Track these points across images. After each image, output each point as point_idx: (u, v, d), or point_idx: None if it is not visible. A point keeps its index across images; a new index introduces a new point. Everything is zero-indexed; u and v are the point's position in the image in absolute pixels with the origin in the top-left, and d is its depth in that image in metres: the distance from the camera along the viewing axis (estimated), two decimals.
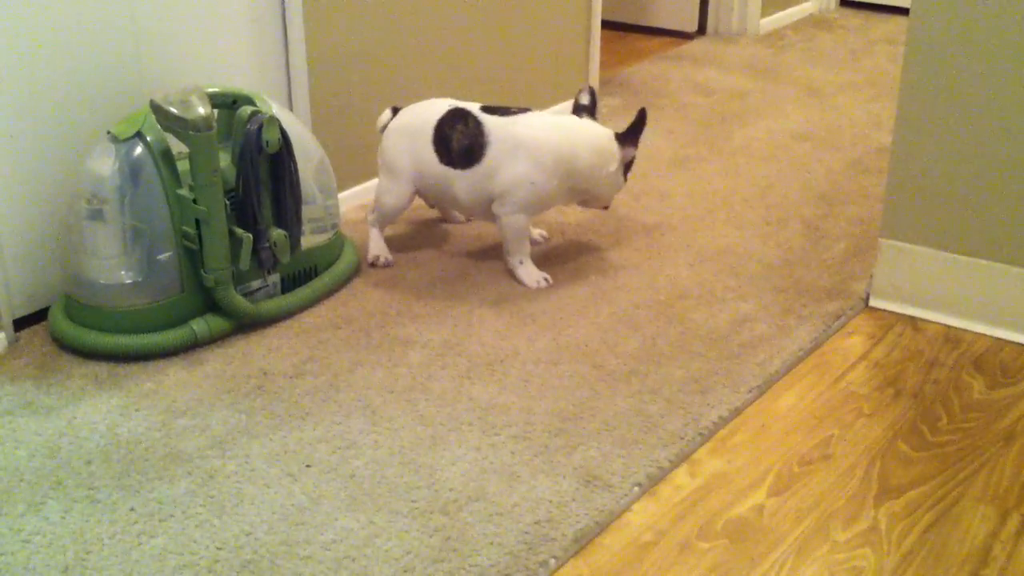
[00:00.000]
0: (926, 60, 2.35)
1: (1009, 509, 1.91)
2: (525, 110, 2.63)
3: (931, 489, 1.96)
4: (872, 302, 2.55)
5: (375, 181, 3.07)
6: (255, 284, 2.44)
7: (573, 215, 2.97)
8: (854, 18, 5.04)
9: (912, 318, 2.50)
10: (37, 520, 1.86)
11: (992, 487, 1.96)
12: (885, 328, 2.47)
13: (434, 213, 2.97)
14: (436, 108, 2.64)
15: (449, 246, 2.81)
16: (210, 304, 2.37)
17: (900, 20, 4.89)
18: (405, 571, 1.75)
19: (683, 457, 2.04)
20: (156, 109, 2.25)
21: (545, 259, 2.73)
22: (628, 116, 3.74)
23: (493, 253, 2.76)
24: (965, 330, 2.44)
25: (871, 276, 2.59)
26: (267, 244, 2.39)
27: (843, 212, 3.01)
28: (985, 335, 2.42)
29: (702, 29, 4.80)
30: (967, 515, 1.90)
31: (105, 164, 2.29)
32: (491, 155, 2.55)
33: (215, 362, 2.31)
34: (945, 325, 2.46)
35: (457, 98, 2.70)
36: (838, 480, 1.98)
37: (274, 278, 2.48)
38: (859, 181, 3.21)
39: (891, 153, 2.47)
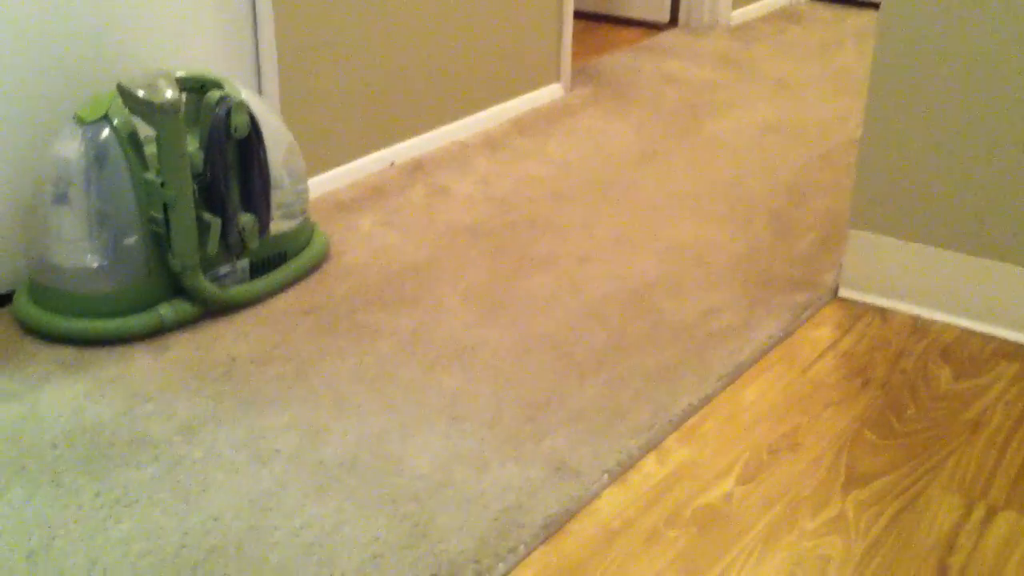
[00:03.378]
0: (896, 53, 2.36)
1: (975, 498, 1.92)
2: None
3: (898, 478, 1.97)
4: (841, 293, 2.56)
5: (345, 167, 3.07)
6: (223, 269, 2.42)
7: (543, 204, 2.97)
8: (825, 11, 5.06)
9: (881, 308, 2.51)
10: (1, 505, 1.84)
11: (959, 476, 1.98)
12: (853, 318, 2.48)
13: (403, 202, 2.95)
14: None
15: (419, 235, 2.80)
16: (177, 289, 2.35)
17: (871, 14, 4.92)
18: (374, 557, 1.74)
19: (652, 445, 2.04)
20: (123, 92, 2.23)
21: (513, 249, 2.72)
22: (599, 106, 3.76)
23: (463, 242, 2.75)
24: (933, 320, 2.46)
25: (840, 267, 2.60)
26: (235, 229, 2.37)
27: (812, 204, 3.02)
28: (953, 325, 2.44)
29: (674, 20, 4.81)
30: (934, 504, 1.91)
31: (71, 147, 2.26)
32: None
33: (182, 347, 2.29)
34: (913, 315, 2.48)
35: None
36: (806, 469, 1.99)
37: (242, 263, 2.46)
38: (827, 174, 3.22)
39: (860, 142, 2.48)
